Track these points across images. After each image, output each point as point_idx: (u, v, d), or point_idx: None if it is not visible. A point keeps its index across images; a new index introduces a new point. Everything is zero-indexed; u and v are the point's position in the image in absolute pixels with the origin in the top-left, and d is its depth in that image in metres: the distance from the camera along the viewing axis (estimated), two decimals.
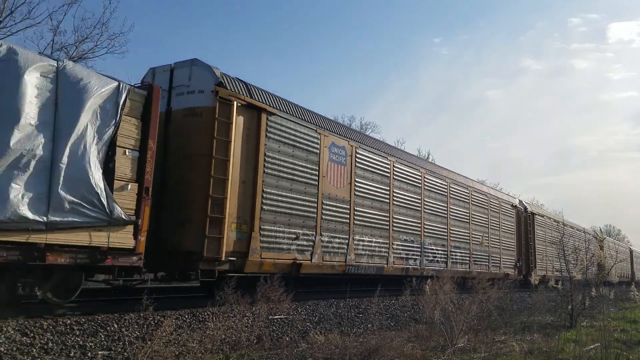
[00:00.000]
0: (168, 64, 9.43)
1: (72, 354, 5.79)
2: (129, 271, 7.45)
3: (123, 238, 7.07)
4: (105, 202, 6.74)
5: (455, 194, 17.00)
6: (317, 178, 10.90)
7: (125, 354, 6.06)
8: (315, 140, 11.02)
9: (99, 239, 6.75)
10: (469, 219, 17.66)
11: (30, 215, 5.95)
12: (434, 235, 15.38)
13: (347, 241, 11.65)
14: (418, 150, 44.05)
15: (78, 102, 6.65)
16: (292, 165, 10.30)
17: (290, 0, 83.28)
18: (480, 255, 18.20)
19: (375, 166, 12.96)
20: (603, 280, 13.38)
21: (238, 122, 9.13)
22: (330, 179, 11.35)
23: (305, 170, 10.64)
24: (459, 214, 17.04)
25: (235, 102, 9.01)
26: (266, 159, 9.65)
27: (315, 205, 10.78)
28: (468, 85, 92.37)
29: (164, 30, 65.98)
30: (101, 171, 6.79)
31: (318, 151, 11.03)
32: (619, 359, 7.26)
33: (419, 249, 14.52)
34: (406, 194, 14.18)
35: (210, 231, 8.37)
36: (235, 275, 8.54)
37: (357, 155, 12.30)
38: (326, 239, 11.02)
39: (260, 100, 9.76)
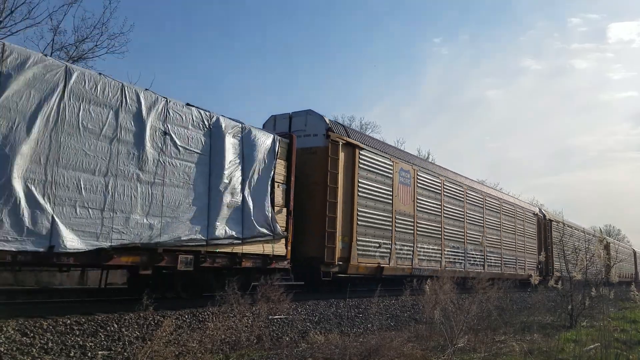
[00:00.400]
0: (287, 113, 12.45)
1: (72, 354, 5.79)
2: (281, 271, 10.17)
3: (280, 248, 10.04)
4: (271, 223, 9.73)
5: (490, 205, 19.63)
6: (391, 198, 13.58)
7: (125, 353, 6.06)
8: (390, 167, 13.75)
9: (267, 249, 9.74)
10: (500, 227, 20.15)
11: (219, 233, 8.71)
12: (474, 242, 17.89)
13: (412, 249, 14.37)
14: (418, 150, 44.02)
15: (255, 155, 9.54)
16: (375, 188, 13.01)
17: (290, 0, 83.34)
18: (509, 258, 20.67)
19: (431, 185, 15.82)
20: (604, 280, 13.38)
21: (341, 157, 11.87)
22: (400, 198, 14.04)
23: (384, 191, 13.36)
24: (492, 222, 19.58)
25: (340, 142, 11.82)
26: (359, 184, 12.31)
27: (391, 219, 13.46)
28: (468, 85, 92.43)
29: (164, 30, 66.05)
30: (269, 201, 9.73)
31: (392, 176, 13.75)
32: (619, 359, 7.25)
33: (463, 254, 17.11)
34: (453, 207, 16.87)
35: (328, 242, 11.15)
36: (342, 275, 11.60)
37: (418, 177, 15.12)
38: (398, 247, 13.71)
39: (354, 139, 12.52)
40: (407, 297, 11.69)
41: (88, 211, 6.86)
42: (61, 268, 7.69)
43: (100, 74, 7.33)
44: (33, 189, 6.27)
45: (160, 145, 7.90)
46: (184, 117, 8.37)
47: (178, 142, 8.18)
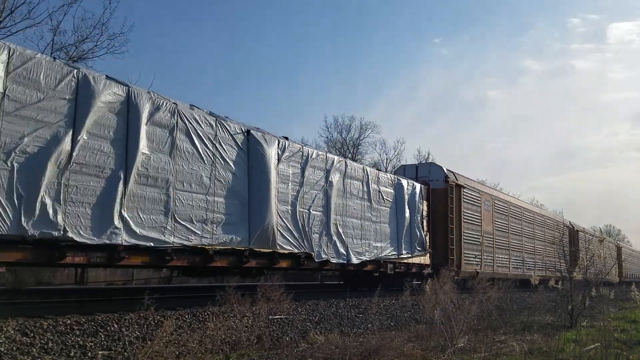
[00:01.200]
0: (413, 164, 19.34)
1: (72, 354, 5.79)
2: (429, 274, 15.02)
3: (426, 259, 15.58)
4: (424, 244, 15.24)
5: (538, 221, 25.33)
6: (480, 221, 18.84)
7: (126, 354, 6.06)
8: (479, 198, 19.05)
9: (421, 260, 15.28)
10: (544, 238, 25.30)
11: (402, 251, 14.31)
12: (528, 252, 23.44)
13: (492, 258, 19.56)
14: (418, 150, 44.07)
15: (415, 200, 15.09)
16: (472, 215, 18.24)
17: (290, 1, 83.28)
18: (551, 263, 25.19)
19: (502, 209, 21.19)
20: (603, 280, 13.38)
21: (454, 195, 16.99)
22: (485, 221, 19.18)
23: (476, 217, 18.59)
24: (539, 235, 24.97)
25: (453, 185, 17.07)
26: (464, 213, 17.48)
27: (480, 237, 18.37)
28: (469, 85, 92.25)
29: (163, 31, 66.05)
30: (422, 229, 15.27)
31: (480, 205, 19.02)
32: (619, 359, 7.25)
33: (522, 261, 22.58)
34: (515, 224, 22.23)
35: (449, 254, 16.32)
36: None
37: (495, 204, 20.48)
38: (485, 257, 18.90)
39: (460, 181, 17.60)
40: (407, 297, 11.70)
41: (360, 240, 12.53)
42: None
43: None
44: (340, 231, 11.77)
45: (377, 199, 13.40)
46: (384, 180, 13.96)
47: (384, 197, 13.69)
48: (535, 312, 13.22)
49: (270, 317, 8.36)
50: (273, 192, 9.66)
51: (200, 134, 8.58)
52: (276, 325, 8.44)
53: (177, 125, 8.17)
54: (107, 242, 6.98)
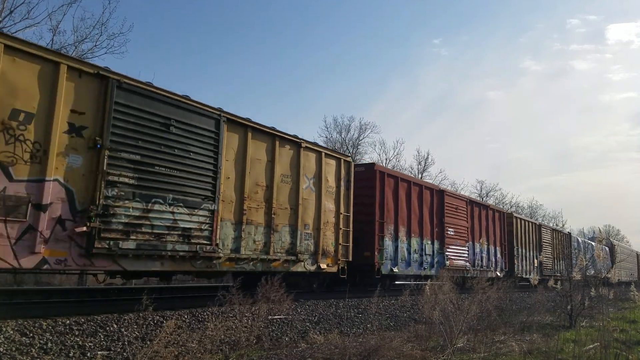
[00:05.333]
0: None
1: (71, 354, 5.79)
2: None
3: None
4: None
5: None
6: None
7: (125, 354, 6.06)
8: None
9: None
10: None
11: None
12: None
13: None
14: (417, 150, 44.03)
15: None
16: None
17: (289, 0, 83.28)
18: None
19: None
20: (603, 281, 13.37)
21: None
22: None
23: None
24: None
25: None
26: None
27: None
28: (468, 86, 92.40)
29: (163, 31, 66.01)
30: None
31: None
32: (618, 359, 7.25)
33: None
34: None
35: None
36: None
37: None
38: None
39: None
40: (406, 297, 11.69)
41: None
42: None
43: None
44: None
45: None
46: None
47: None
48: (535, 312, 13.21)
49: (270, 317, 8.35)
50: None
51: None
52: (275, 326, 8.43)
53: None
54: None
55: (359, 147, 40.63)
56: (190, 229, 8.09)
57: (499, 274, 19.50)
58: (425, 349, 7.84)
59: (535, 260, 23.35)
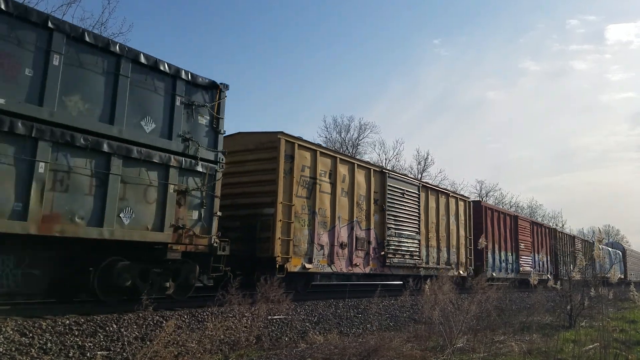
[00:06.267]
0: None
1: (71, 354, 5.79)
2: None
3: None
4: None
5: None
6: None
7: (124, 354, 6.06)
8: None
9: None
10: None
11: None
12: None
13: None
14: (417, 150, 44.11)
15: None
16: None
17: (289, 0, 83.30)
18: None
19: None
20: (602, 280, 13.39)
21: None
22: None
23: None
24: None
25: None
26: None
27: None
28: (468, 86, 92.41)
29: (163, 31, 66.00)
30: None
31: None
32: (617, 359, 7.25)
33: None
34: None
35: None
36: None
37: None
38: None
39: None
40: (406, 297, 11.69)
41: None
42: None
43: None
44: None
45: None
46: None
47: None
48: (534, 312, 13.21)
49: (270, 317, 8.35)
50: None
51: None
52: (275, 326, 8.43)
53: None
54: None
55: (358, 147, 40.74)
56: (411, 250, 14.65)
57: (549, 277, 23.04)
58: (425, 349, 7.84)
59: (571, 266, 27.41)
